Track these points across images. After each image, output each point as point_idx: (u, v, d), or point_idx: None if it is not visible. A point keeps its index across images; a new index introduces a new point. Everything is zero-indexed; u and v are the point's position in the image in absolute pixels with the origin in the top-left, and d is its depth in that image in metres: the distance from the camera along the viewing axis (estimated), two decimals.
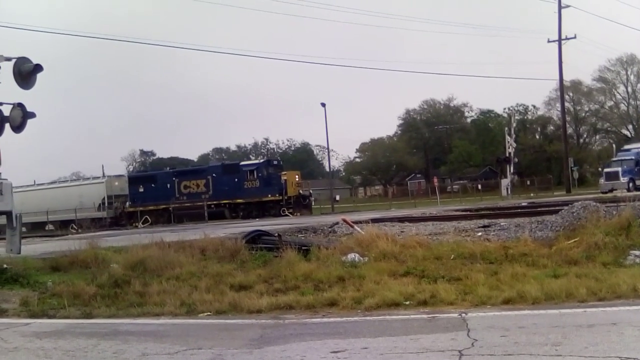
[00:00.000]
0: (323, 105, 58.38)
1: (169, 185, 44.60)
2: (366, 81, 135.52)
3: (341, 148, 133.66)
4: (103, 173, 60.58)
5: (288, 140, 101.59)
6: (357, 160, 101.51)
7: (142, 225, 42.93)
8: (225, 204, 42.13)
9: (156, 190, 44.65)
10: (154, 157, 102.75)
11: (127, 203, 46.29)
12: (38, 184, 53.76)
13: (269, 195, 41.31)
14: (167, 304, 9.86)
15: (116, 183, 48.98)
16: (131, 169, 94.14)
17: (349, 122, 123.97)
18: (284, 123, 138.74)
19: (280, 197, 41.02)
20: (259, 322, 8.51)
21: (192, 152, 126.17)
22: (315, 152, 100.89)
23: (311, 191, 46.98)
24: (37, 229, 45.58)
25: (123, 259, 12.97)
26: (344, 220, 17.69)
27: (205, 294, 10.21)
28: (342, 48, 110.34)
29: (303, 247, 12.88)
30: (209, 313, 9.37)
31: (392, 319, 8.13)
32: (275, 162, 45.97)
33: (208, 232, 16.64)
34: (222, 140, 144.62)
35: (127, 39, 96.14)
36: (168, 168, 52.46)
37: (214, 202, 42.25)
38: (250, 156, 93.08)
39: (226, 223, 32.85)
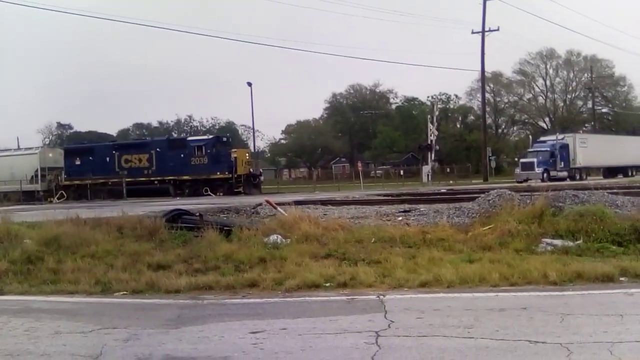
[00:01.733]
0: (249, 84, 58.01)
1: (108, 159, 42.74)
2: (293, 63, 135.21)
3: (267, 129, 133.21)
4: (18, 145, 58.03)
5: (212, 119, 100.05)
6: (283, 141, 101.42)
7: (57, 201, 41.40)
8: (170, 180, 40.78)
9: (94, 163, 42.68)
10: (71, 131, 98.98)
11: (63, 176, 44.41)
12: None
13: (218, 173, 40.24)
14: (81, 282, 9.66)
15: (50, 154, 46.75)
16: (47, 142, 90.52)
17: (275, 103, 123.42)
18: (208, 101, 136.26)
19: (230, 175, 40.04)
20: (176, 302, 8.42)
21: (111, 127, 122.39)
22: (240, 132, 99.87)
23: (261, 170, 46.17)
24: None
25: (37, 235, 12.51)
26: (267, 202, 17.66)
27: (122, 273, 10.03)
28: (270, 27, 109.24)
29: (225, 228, 12.76)
30: (125, 292, 9.22)
31: (312, 301, 8.19)
32: (224, 139, 44.49)
33: (126, 210, 16.25)
34: (143, 116, 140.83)
35: (42, 6, 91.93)
36: (108, 142, 50.28)
37: (158, 178, 40.93)
38: (173, 133, 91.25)
39: (146, 201, 32.16)
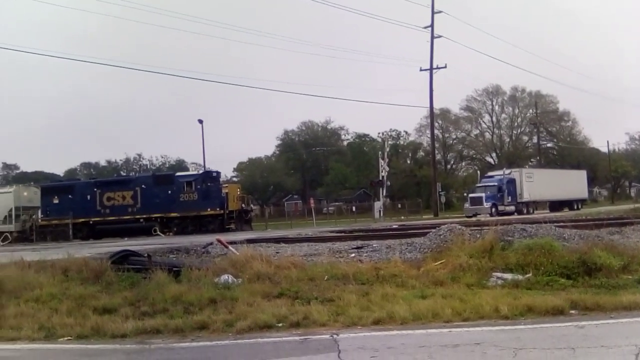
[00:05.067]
0: (200, 122, 57.71)
1: (89, 197, 41.04)
2: (244, 99, 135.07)
3: (218, 166, 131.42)
4: None
5: (162, 157, 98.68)
6: (235, 179, 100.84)
7: (1, 243, 39.92)
8: (156, 217, 39.41)
9: (73, 202, 40.90)
10: (18, 171, 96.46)
11: (39, 216, 42.38)
12: None
13: (209, 209, 39.15)
14: (24, 328, 9.30)
15: (25, 193, 44.89)
16: None
17: (226, 140, 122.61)
18: (159, 139, 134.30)
19: (222, 211, 39.08)
20: (122, 348, 8.14)
21: (58, 166, 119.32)
22: (191, 170, 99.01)
23: (252, 206, 45.02)
24: None
25: None
26: (219, 241, 17.36)
27: (66, 318, 9.72)
28: (218, 64, 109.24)
29: (174, 268, 12.46)
30: (69, 338, 8.90)
31: (263, 342, 8.01)
32: (214, 174, 43.21)
33: (72, 252, 15.79)
34: (90, 155, 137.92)
35: None
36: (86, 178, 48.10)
37: (144, 216, 39.53)
38: (121, 172, 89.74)
39: (92, 243, 31.38)
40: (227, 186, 42.38)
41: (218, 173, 45.00)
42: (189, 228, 38.48)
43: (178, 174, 44.49)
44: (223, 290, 11.03)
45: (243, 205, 41.88)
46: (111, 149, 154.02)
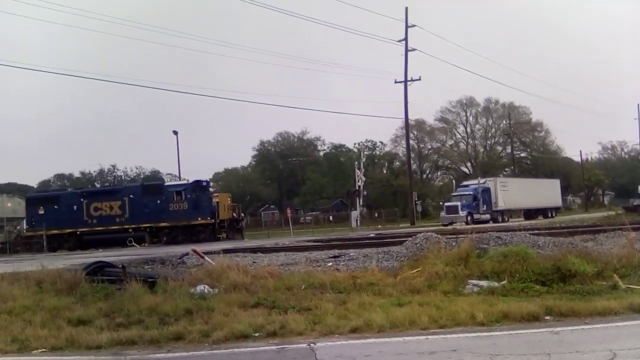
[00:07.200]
0: (175, 133, 57.42)
1: (75, 207, 40.42)
2: (219, 111, 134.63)
3: (194, 177, 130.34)
4: None
5: (137, 168, 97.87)
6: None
7: None
8: (145, 227, 38.98)
9: (59, 212, 40.24)
10: None
11: (24, 227, 41.72)
12: None
13: (199, 219, 38.87)
14: None
15: (9, 204, 43.94)
16: None
17: (201, 151, 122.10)
18: (132, 151, 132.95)
19: (212, 221, 38.86)
20: (98, 359, 8.04)
21: (31, 178, 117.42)
22: (166, 181, 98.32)
23: (243, 215, 44.68)
24: None
25: None
26: (194, 251, 17.26)
27: (40, 329, 9.58)
28: (191, 76, 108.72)
29: (149, 279, 12.34)
30: (43, 350, 8.76)
31: (240, 352, 7.96)
32: (204, 183, 42.95)
33: (46, 264, 15.59)
34: (63, 167, 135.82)
35: None
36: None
37: (132, 226, 39.08)
38: (95, 183, 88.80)
39: (67, 254, 30.97)
40: (217, 195, 42.24)
41: (208, 182, 44.64)
42: (179, 238, 38.21)
43: (167, 183, 44.20)
44: (199, 300, 10.96)
45: (234, 214, 41.68)
46: (84, 161, 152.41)
